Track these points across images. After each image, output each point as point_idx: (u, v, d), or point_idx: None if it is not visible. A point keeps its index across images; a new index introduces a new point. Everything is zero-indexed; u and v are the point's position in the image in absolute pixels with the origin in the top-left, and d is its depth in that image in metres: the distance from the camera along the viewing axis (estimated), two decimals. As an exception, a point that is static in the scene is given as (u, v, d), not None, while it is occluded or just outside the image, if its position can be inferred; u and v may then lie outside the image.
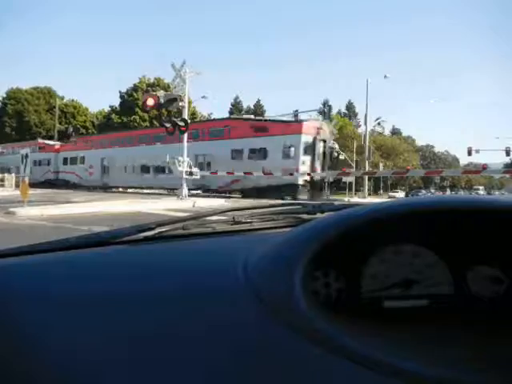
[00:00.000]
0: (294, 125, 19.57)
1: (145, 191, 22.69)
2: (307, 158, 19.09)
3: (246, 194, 19.14)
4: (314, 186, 19.22)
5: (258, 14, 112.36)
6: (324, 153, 20.24)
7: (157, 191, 22.20)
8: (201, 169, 18.87)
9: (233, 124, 20.93)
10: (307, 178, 18.83)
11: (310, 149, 19.19)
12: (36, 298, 0.61)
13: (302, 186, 18.75)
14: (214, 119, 26.83)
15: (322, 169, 20.03)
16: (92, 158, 28.29)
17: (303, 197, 17.81)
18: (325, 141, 20.17)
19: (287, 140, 18.72)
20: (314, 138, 19.35)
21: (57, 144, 32.43)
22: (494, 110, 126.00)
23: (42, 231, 6.82)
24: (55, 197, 15.15)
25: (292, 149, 18.68)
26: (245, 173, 18.25)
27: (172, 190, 20.15)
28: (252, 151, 19.90)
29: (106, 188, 26.01)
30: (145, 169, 24.81)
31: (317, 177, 19.11)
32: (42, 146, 32.47)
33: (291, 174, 18.13)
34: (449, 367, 0.46)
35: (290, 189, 18.28)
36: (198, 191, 20.26)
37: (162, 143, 22.31)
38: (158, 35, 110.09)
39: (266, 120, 21.02)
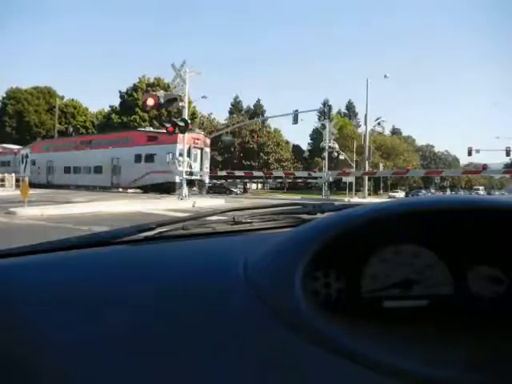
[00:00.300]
0: (173, 135, 24.74)
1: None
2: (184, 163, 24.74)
3: (144, 190, 24.81)
4: (191, 184, 24.33)
5: (258, 15, 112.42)
6: (201, 158, 26.39)
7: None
8: (114, 169, 27.54)
9: (136, 135, 27.80)
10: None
11: (186, 155, 24.58)
12: (37, 298, 0.61)
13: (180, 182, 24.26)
14: (125, 131, 33.23)
15: (200, 170, 25.79)
16: (40, 160, 33.17)
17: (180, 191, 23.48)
18: (201, 148, 26.39)
19: (168, 148, 24.10)
20: (190, 147, 24.48)
21: (15, 147, 37.72)
22: (494, 110, 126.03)
23: (42, 231, 6.82)
24: (55, 197, 15.16)
25: (170, 155, 23.70)
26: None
27: (103, 188, 26.67)
28: (147, 156, 26.21)
29: (51, 186, 30.21)
30: (77, 169, 31.18)
31: (195, 176, 24.32)
32: (2, 150, 38.92)
33: (193, 174, 24.00)
34: (449, 367, 0.46)
35: (171, 185, 23.49)
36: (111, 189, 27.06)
37: (83, 150, 30.17)
38: (158, 35, 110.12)
39: (157, 132, 27.40)
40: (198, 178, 24.67)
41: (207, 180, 26.56)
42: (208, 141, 27.55)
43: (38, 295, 0.62)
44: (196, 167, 24.99)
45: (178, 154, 23.32)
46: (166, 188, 23.64)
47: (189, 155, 23.85)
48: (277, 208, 1.10)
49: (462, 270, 0.68)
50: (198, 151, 26.13)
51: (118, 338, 0.52)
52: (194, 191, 23.85)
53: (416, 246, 0.69)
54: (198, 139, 26.04)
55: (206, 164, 26.73)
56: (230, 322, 0.53)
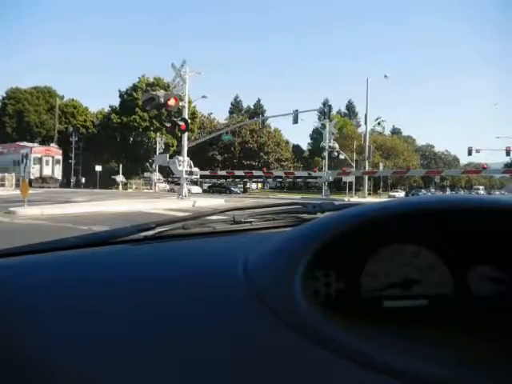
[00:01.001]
0: (30, 148, 38.84)
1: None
2: (37, 166, 37.58)
3: (31, 183, 35.28)
4: (46, 181, 37.23)
5: (258, 14, 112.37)
6: (52, 163, 38.39)
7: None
8: (4, 170, 38.30)
9: (18, 146, 40.13)
10: (41, 175, 37.94)
11: (38, 161, 37.73)
12: (36, 298, 0.61)
13: (34, 179, 36.64)
14: (10, 144, 43.71)
15: (52, 171, 38.52)
16: None
17: (48, 185, 36.09)
18: (53, 157, 38.44)
19: (28, 156, 37.80)
20: (41, 156, 37.77)
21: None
22: (494, 110, 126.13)
23: (41, 231, 6.82)
24: (55, 196, 15.17)
25: (29, 161, 37.48)
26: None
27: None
28: (19, 161, 39.00)
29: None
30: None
31: (46, 173, 38.05)
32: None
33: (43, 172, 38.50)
34: (448, 367, 0.46)
35: (31, 181, 33.80)
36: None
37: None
38: (159, 34, 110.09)
39: (25, 145, 40.77)
40: (50, 175, 38.09)
41: (59, 178, 39.32)
42: (59, 151, 39.94)
43: (37, 295, 0.61)
44: (49, 169, 38.35)
45: (32, 161, 38.02)
46: (30, 182, 37.20)
47: (41, 161, 38.07)
48: (277, 208, 1.10)
49: (462, 270, 0.68)
50: (50, 158, 38.32)
51: (118, 337, 0.52)
52: (49, 185, 36.01)
53: (416, 246, 0.69)
54: (49, 150, 39.05)
55: (58, 167, 39.15)
56: (230, 321, 0.53)
